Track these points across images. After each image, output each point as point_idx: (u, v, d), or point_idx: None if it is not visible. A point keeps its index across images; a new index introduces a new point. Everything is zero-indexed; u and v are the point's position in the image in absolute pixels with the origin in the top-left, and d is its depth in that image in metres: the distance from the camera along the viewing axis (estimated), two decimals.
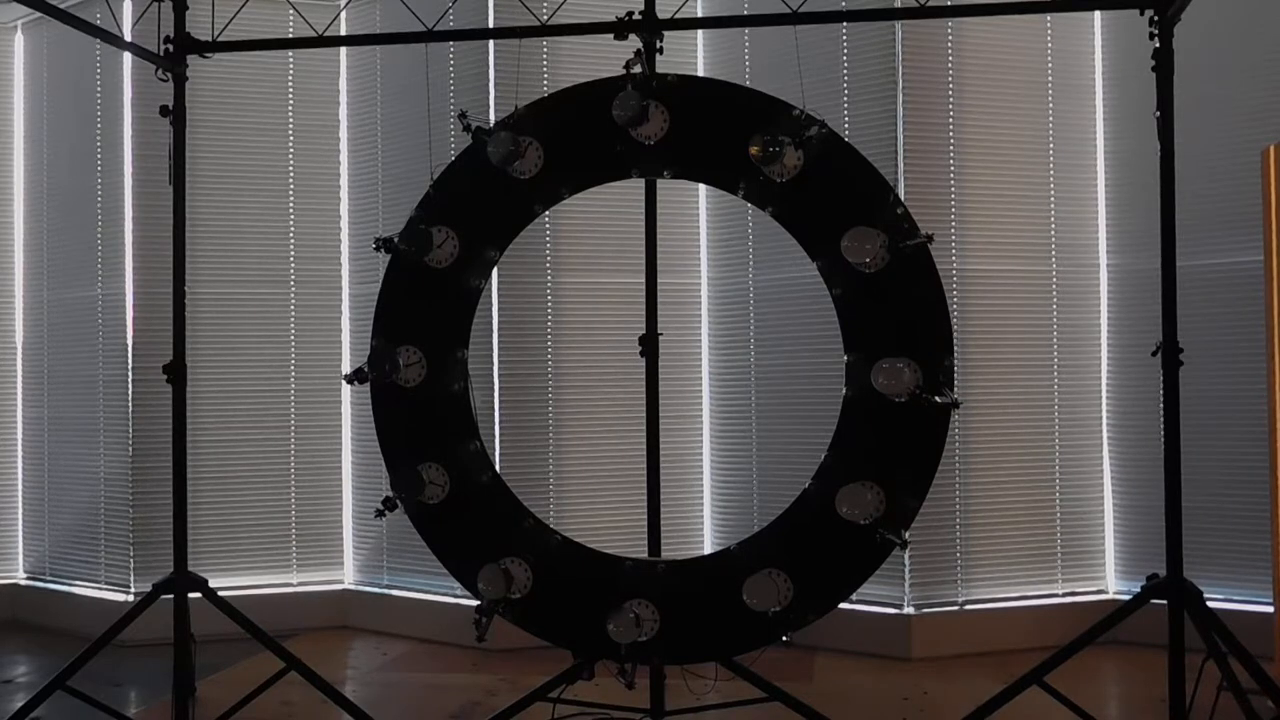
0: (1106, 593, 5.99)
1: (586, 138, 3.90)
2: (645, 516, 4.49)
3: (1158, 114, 3.91)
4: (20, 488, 6.89)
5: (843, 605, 3.88)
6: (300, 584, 6.49)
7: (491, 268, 4.03)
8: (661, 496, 4.52)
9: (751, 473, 6.13)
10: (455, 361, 3.95)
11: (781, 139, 3.64)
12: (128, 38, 4.93)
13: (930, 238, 3.63)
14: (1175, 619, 3.88)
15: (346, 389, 6.44)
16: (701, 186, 6.05)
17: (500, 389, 6.01)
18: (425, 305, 3.94)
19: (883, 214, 3.67)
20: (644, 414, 4.50)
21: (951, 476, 5.75)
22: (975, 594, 5.82)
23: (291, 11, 5.67)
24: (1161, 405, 3.94)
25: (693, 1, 5.84)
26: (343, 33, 6.08)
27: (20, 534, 6.88)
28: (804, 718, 4.09)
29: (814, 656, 5.67)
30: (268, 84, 6.51)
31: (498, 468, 4.50)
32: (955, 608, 5.80)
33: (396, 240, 3.90)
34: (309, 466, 6.51)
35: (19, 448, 6.90)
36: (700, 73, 6.19)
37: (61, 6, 4.94)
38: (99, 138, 6.53)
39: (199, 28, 4.66)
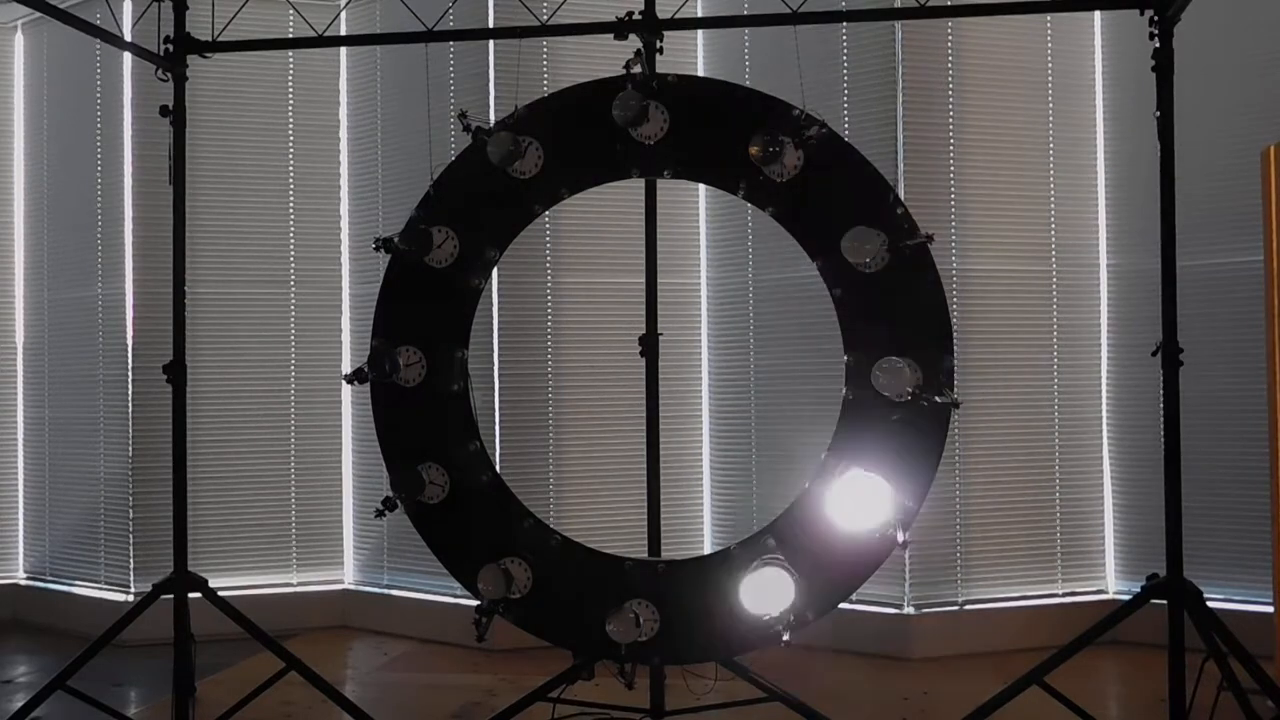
0: (1106, 593, 5.99)
1: (586, 138, 3.89)
2: (645, 516, 4.49)
3: (1158, 114, 3.91)
4: (21, 488, 6.89)
5: (843, 605, 3.88)
6: (300, 584, 6.49)
7: (491, 268, 4.03)
8: (661, 496, 4.51)
9: (751, 473, 6.13)
10: (455, 361, 3.95)
11: (781, 139, 3.63)
12: (128, 38, 4.93)
13: (930, 238, 3.63)
14: (1175, 619, 3.88)
15: (346, 389, 6.44)
16: (701, 186, 6.05)
17: (500, 389, 6.01)
18: (425, 305, 3.94)
19: (883, 214, 3.67)
20: (644, 414, 4.50)
21: (951, 476, 5.75)
22: (975, 594, 5.82)
23: (291, 11, 5.66)
24: (1161, 405, 3.94)
25: (693, 1, 5.84)
26: (343, 33, 6.08)
27: (21, 534, 6.88)
28: (804, 718, 4.09)
29: (814, 656, 5.67)
30: (268, 84, 6.51)
31: (498, 468, 4.50)
32: (955, 608, 5.80)
33: (396, 240, 3.90)
34: (309, 466, 6.51)
35: (19, 448, 6.90)
36: (700, 73, 6.19)
37: (61, 6, 4.94)
38: (99, 138, 6.53)
39: (199, 28, 4.66)
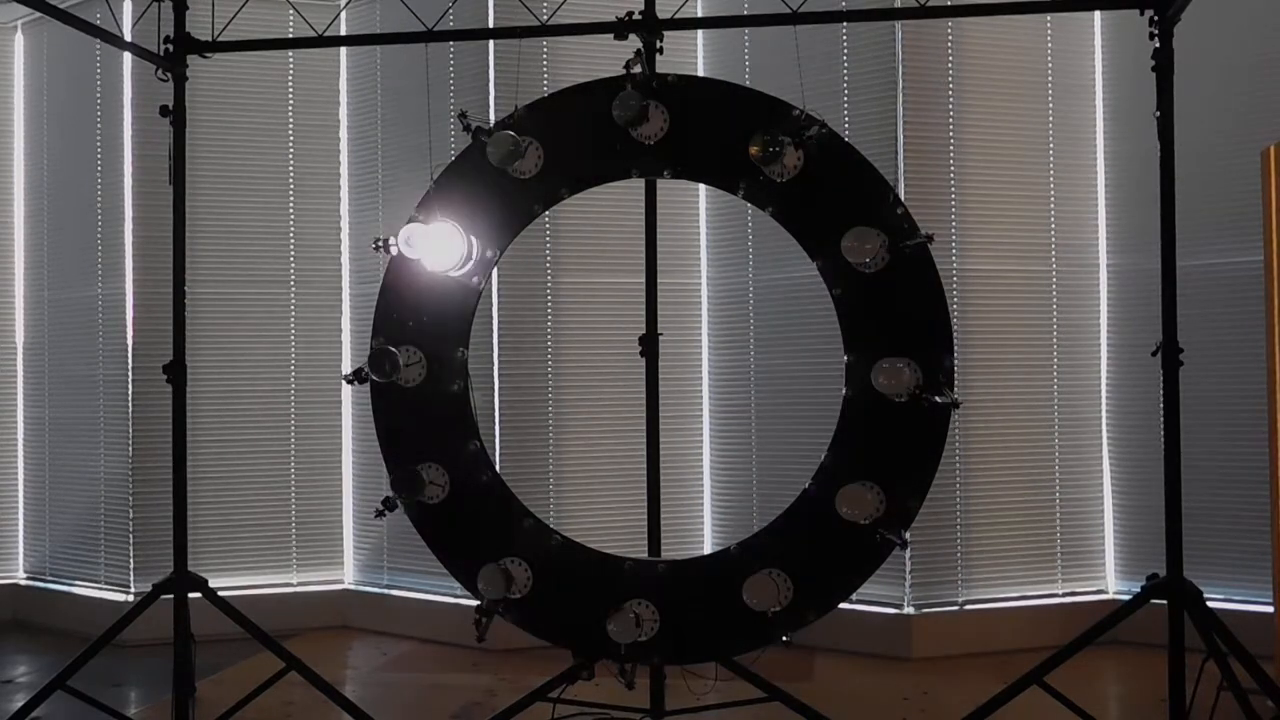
0: (1106, 593, 5.99)
1: (586, 138, 3.90)
2: (645, 516, 4.50)
3: (1158, 114, 3.91)
4: (21, 488, 6.89)
5: (843, 605, 3.88)
6: (300, 584, 6.49)
7: (491, 268, 4.03)
8: (661, 496, 4.52)
9: (751, 473, 6.13)
10: (455, 361, 3.95)
11: (781, 139, 3.63)
12: (128, 38, 4.93)
13: (930, 238, 3.63)
14: (1175, 619, 3.88)
15: (346, 389, 6.44)
16: (701, 186, 6.05)
17: (500, 389, 6.01)
18: (425, 305, 3.94)
19: (883, 214, 3.67)
20: (644, 414, 4.50)
21: (951, 476, 5.75)
22: (975, 594, 5.82)
23: (291, 11, 5.66)
24: (1161, 405, 3.94)
25: (693, 1, 5.84)
26: (343, 33, 6.08)
27: (21, 534, 6.88)
28: (804, 718, 4.09)
29: (814, 656, 5.67)
30: (268, 84, 6.51)
31: (498, 468, 4.50)
32: (955, 608, 5.80)
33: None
34: (309, 466, 6.51)
35: (19, 448, 6.90)
36: (700, 73, 6.19)
37: (61, 6, 4.94)
38: (99, 138, 6.53)
39: (199, 28, 4.66)
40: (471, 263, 3.89)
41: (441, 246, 3.83)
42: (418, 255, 3.83)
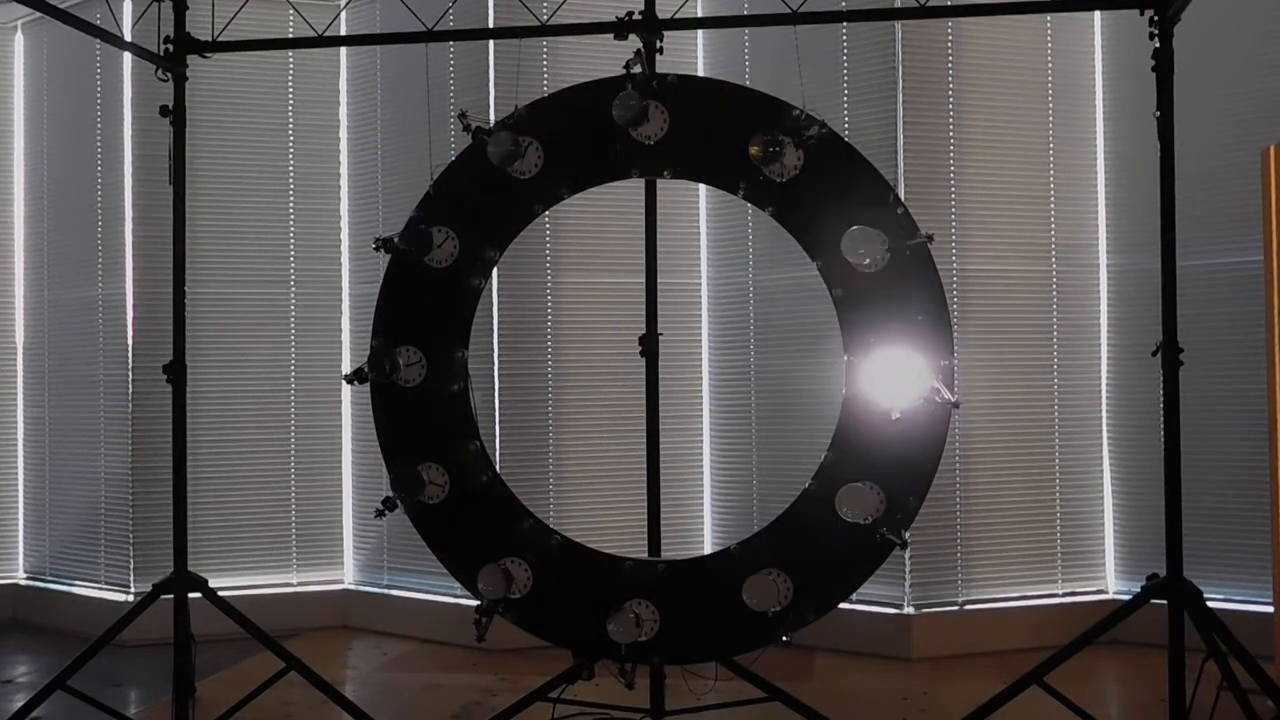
0: (1106, 593, 5.99)
1: (586, 138, 3.90)
2: (645, 516, 4.49)
3: (1158, 114, 3.92)
4: (21, 488, 6.89)
5: (843, 605, 3.88)
6: (300, 584, 6.49)
7: (491, 268, 4.03)
8: (661, 496, 4.51)
9: (751, 473, 6.13)
10: (455, 361, 3.95)
11: (781, 139, 3.63)
12: (128, 38, 4.94)
13: (930, 238, 3.63)
14: (1175, 619, 3.88)
15: (346, 389, 6.44)
16: (701, 186, 6.05)
17: (500, 389, 6.01)
18: (425, 305, 3.95)
19: (883, 214, 3.68)
20: (644, 414, 4.50)
21: (951, 476, 5.75)
22: (975, 594, 5.82)
23: (291, 11, 5.67)
24: (1161, 405, 3.94)
25: (693, 1, 5.84)
26: (343, 33, 6.08)
27: (21, 534, 6.88)
28: (804, 718, 4.09)
29: (814, 656, 5.67)
30: (268, 84, 6.51)
31: (498, 468, 4.50)
32: (955, 608, 5.80)
33: (396, 240, 3.91)
34: (309, 466, 6.51)
35: (19, 448, 6.90)
36: (700, 73, 6.19)
37: (61, 6, 4.94)
38: (99, 138, 6.53)
39: (199, 28, 4.66)
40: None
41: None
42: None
